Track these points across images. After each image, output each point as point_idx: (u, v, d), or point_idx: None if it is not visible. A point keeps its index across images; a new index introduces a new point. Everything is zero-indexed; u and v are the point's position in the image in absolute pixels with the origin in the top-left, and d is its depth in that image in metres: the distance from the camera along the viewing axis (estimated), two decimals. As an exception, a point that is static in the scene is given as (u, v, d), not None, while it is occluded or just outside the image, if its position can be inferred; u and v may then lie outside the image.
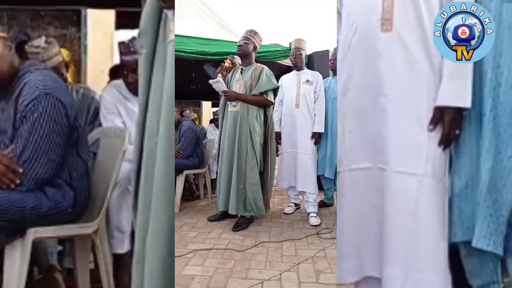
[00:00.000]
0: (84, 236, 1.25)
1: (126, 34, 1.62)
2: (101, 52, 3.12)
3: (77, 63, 2.91)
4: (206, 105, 8.80)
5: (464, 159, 0.92)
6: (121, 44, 1.58)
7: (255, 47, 2.50)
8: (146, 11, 0.85)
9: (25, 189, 1.05)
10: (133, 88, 1.61)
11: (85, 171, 1.22)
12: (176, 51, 3.13)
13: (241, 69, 2.57)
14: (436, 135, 0.92)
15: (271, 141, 2.55)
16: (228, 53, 3.06)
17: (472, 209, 0.89)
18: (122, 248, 1.55)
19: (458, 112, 0.90)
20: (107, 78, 2.10)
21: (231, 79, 2.58)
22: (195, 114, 4.32)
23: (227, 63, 2.54)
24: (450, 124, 0.90)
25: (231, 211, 2.41)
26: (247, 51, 2.46)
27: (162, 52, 0.77)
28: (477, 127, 0.91)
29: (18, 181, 1.04)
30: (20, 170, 1.04)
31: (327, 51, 3.39)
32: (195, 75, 4.67)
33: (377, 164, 0.97)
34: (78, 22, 2.91)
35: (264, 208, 2.46)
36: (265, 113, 2.53)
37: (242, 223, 2.41)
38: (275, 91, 2.53)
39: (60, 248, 1.55)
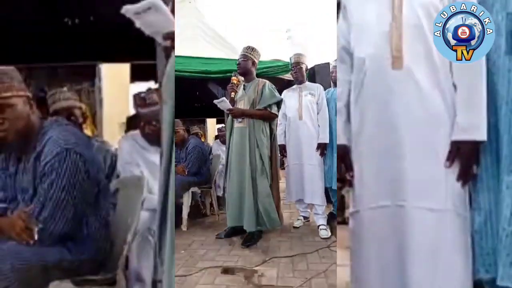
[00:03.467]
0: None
1: (141, 87, 1.62)
2: (117, 106, 3.17)
3: (94, 116, 2.96)
4: (211, 122, 8.87)
5: (482, 195, 0.90)
6: (136, 96, 1.60)
7: (254, 63, 2.55)
8: (163, 63, 0.85)
9: (45, 245, 1.06)
10: (150, 139, 1.65)
11: (105, 223, 1.22)
12: (180, 71, 3.20)
13: (244, 85, 2.61)
14: (455, 169, 0.91)
15: (276, 153, 2.56)
16: (230, 71, 3.12)
17: (492, 245, 0.87)
18: None
19: (475, 146, 0.89)
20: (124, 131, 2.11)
21: (234, 97, 2.62)
22: (198, 129, 4.35)
23: (235, 80, 2.58)
24: (467, 158, 0.89)
25: (248, 228, 2.36)
26: (246, 67, 2.51)
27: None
28: (493, 162, 0.89)
29: (36, 237, 1.04)
30: (40, 226, 1.04)
31: (328, 63, 3.43)
32: (199, 94, 4.75)
33: (396, 202, 0.95)
34: (93, 76, 2.99)
35: (278, 219, 2.43)
36: (270, 126, 2.56)
37: (251, 238, 2.38)
38: (278, 104, 2.56)
39: None
